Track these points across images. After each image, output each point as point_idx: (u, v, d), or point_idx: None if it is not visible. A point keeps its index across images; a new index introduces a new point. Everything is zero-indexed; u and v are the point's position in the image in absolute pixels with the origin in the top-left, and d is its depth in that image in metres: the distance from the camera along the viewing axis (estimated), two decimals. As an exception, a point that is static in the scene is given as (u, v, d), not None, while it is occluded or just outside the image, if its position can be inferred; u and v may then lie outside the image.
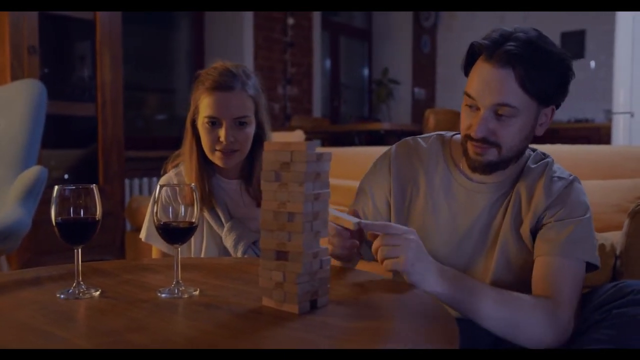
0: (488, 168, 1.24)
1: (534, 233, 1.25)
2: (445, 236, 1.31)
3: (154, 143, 4.46)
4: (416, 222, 1.33)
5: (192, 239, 1.58)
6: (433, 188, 1.33)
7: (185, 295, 1.02)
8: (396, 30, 6.99)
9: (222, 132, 1.48)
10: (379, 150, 3.19)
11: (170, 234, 1.06)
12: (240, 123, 1.49)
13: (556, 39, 6.39)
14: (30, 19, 3.08)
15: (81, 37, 3.66)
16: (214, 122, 1.49)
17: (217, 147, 1.49)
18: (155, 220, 1.04)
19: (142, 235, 1.62)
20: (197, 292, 1.04)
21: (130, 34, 4.26)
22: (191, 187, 1.05)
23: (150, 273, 1.21)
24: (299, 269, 0.90)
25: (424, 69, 7.11)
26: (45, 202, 2.51)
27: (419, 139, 1.40)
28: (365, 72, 7.27)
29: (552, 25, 6.33)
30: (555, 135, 5.79)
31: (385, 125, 4.46)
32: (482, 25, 6.72)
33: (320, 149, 0.96)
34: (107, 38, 3.48)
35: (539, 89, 1.17)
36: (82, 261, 1.06)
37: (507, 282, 1.28)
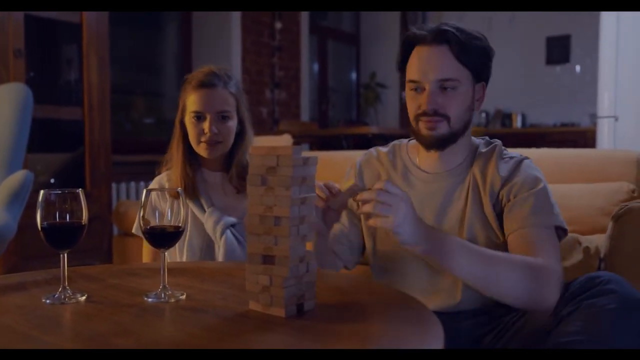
0: (441, 142, 1.35)
1: (498, 212, 1.34)
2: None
3: (142, 146, 4.44)
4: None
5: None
6: (402, 185, 1.42)
7: (172, 300, 1.02)
8: (384, 34, 7.01)
9: (206, 125, 1.59)
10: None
11: (157, 238, 1.06)
12: (223, 117, 1.61)
13: (542, 44, 6.45)
14: (16, 21, 3.06)
15: (68, 39, 3.64)
16: (199, 117, 1.61)
17: (202, 139, 1.61)
18: (142, 225, 1.04)
19: (134, 228, 1.70)
20: (183, 297, 1.04)
21: (118, 36, 4.25)
22: (177, 191, 1.06)
23: (137, 278, 1.21)
24: (286, 273, 0.91)
25: (412, 73, 7.13)
26: (31, 207, 2.49)
27: (380, 148, 1.53)
28: (353, 76, 7.29)
29: (537, 29, 6.39)
30: (542, 139, 5.84)
31: (373, 129, 4.48)
32: (469, 27, 6.76)
33: (308, 153, 0.98)
34: (93, 41, 3.46)
35: (472, 61, 1.33)
36: (68, 266, 1.06)
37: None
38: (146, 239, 1.06)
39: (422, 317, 0.90)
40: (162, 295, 1.03)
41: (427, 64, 1.32)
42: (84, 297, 1.04)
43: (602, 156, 2.46)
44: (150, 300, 1.02)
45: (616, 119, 3.61)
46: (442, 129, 1.33)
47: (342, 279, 1.18)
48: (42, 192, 1.03)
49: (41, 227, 1.02)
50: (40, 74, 3.49)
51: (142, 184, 4.04)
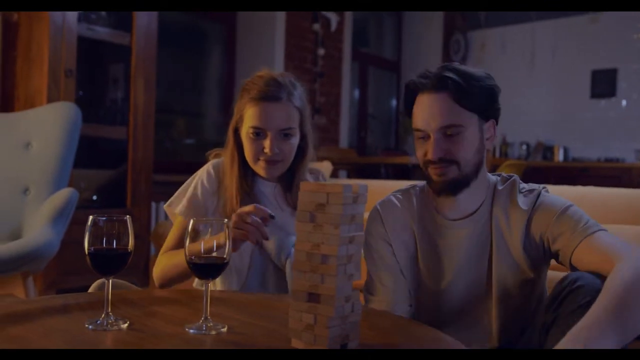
0: (452, 187, 1.32)
1: (531, 253, 1.33)
2: (448, 276, 1.37)
3: (181, 167, 4.50)
4: (422, 272, 1.40)
5: None
6: (423, 235, 1.40)
7: (213, 332, 1.01)
8: (425, 61, 7.00)
9: (267, 143, 1.46)
10: (405, 184, 3.16)
11: (202, 269, 1.05)
12: (285, 135, 1.48)
13: (587, 77, 6.34)
14: (70, 42, 3.15)
15: (116, 60, 3.73)
16: (258, 133, 1.47)
17: (261, 157, 1.48)
18: (187, 256, 1.04)
19: (167, 204, 1.59)
20: (225, 329, 1.03)
21: (163, 58, 4.33)
22: (226, 224, 1.05)
23: (177, 305, 1.20)
24: (331, 313, 0.89)
25: (452, 102, 7.09)
26: (73, 223, 2.55)
27: (397, 195, 1.47)
28: (393, 103, 7.28)
29: (583, 62, 6.29)
30: (584, 173, 5.71)
31: (412, 159, 4.45)
32: (511, 58, 6.72)
33: (347, 181, 0.96)
34: (141, 62, 3.54)
35: (474, 103, 1.31)
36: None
37: (509, 306, 1.35)
38: (191, 268, 1.06)
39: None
40: (204, 327, 1.02)
41: (429, 112, 1.32)
42: (126, 325, 1.03)
43: (652, 197, 2.38)
44: (192, 331, 1.01)
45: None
46: (452, 173, 1.31)
47: (383, 318, 1.15)
48: (90, 217, 1.04)
49: (88, 252, 1.03)
50: (88, 94, 3.57)
51: (180, 204, 4.07)
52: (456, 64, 1.36)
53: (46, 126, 2.56)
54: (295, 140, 1.51)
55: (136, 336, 0.99)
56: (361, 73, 6.72)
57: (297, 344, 0.93)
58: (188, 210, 1.51)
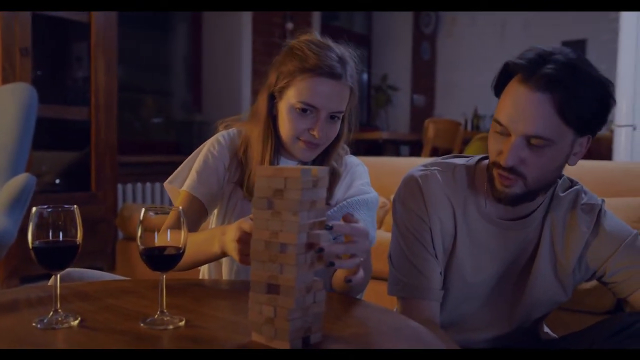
0: (514, 201, 1.17)
1: (576, 275, 1.23)
2: (483, 274, 1.27)
3: (150, 147, 4.39)
4: (456, 263, 1.27)
5: (233, 221, 1.39)
6: (464, 230, 1.26)
7: (170, 327, 0.96)
8: (396, 36, 6.94)
9: (316, 125, 1.29)
10: (376, 161, 3.11)
11: (155, 260, 0.99)
12: (333, 117, 1.31)
13: (557, 48, 6.33)
14: (23, 20, 3.01)
15: (76, 39, 3.60)
16: (307, 110, 1.29)
17: (302, 137, 1.31)
18: (140, 245, 0.98)
19: (167, 181, 1.46)
20: (182, 323, 0.97)
21: (127, 36, 4.19)
22: (179, 211, 0.99)
23: (134, 297, 1.14)
24: (291, 304, 0.84)
25: (424, 76, 7.06)
26: (30, 209, 2.45)
27: (439, 170, 1.27)
28: (365, 77, 7.22)
29: (552, 33, 6.28)
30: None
31: (384, 135, 4.41)
32: (482, 31, 6.68)
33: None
34: (101, 41, 3.41)
35: (578, 117, 1.09)
36: (72, 267, 0.99)
37: (530, 317, 1.27)
38: (143, 260, 0.99)
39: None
40: (160, 321, 0.96)
41: (520, 111, 1.09)
42: (76, 322, 0.97)
43: (620, 169, 2.38)
44: (146, 327, 0.95)
45: (634, 128, 3.52)
46: (517, 188, 1.14)
47: (353, 306, 1.11)
48: (34, 208, 0.97)
49: (32, 246, 0.96)
50: (47, 73, 3.44)
51: (148, 185, 3.99)
52: (572, 54, 1.11)
53: (0, 108, 2.44)
54: (339, 123, 1.35)
55: (86, 334, 0.93)
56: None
57: (257, 337, 0.88)
58: (197, 184, 1.38)
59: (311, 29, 1.41)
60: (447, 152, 4.51)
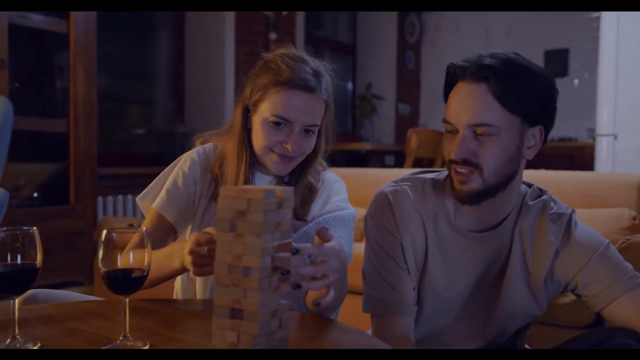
0: (474, 198, 1.16)
1: (548, 286, 1.22)
2: (456, 288, 1.25)
3: (131, 159, 4.34)
4: (428, 277, 1.25)
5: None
6: (435, 244, 1.24)
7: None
8: (380, 44, 6.94)
9: (289, 138, 1.27)
10: (358, 173, 3.09)
11: (118, 283, 0.96)
12: (308, 131, 1.30)
13: (540, 57, 6.37)
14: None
15: (55, 49, 3.56)
16: (280, 123, 1.27)
17: (276, 150, 1.29)
18: (101, 267, 0.95)
19: (139, 197, 1.44)
20: (147, 347, 0.94)
21: (108, 45, 4.15)
22: (142, 233, 0.96)
23: (100, 320, 1.11)
24: (255, 330, 0.82)
25: (408, 85, 7.06)
26: (8, 224, 2.40)
27: (410, 186, 1.27)
28: (349, 86, 7.21)
29: (535, 43, 6.31)
30: (538, 153, 5.75)
31: (366, 146, 4.39)
32: (466, 40, 6.70)
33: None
34: (80, 51, 3.37)
35: (519, 104, 1.11)
36: (51, 283, 0.96)
37: (505, 331, 1.25)
38: (106, 284, 0.96)
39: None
40: (121, 346, 0.93)
41: (461, 104, 1.13)
42: (36, 347, 0.94)
43: (602, 180, 2.38)
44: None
45: (615, 137, 3.53)
46: (475, 183, 1.14)
47: (332, 328, 1.08)
48: (-10, 231, 0.93)
49: (-11, 270, 0.93)
50: (25, 85, 3.39)
51: (129, 197, 3.94)
52: (510, 53, 1.15)
53: (-27, 122, 2.39)
54: (314, 138, 1.33)
55: (43, 361, 0.89)
56: (316, 56, 6.60)
57: (221, 363, 0.86)
58: (166, 203, 1.37)
59: (288, 43, 1.40)
60: (430, 162, 4.50)
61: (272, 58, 1.32)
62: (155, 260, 1.13)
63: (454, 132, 1.15)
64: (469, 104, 1.12)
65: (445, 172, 1.29)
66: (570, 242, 1.19)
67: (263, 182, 1.40)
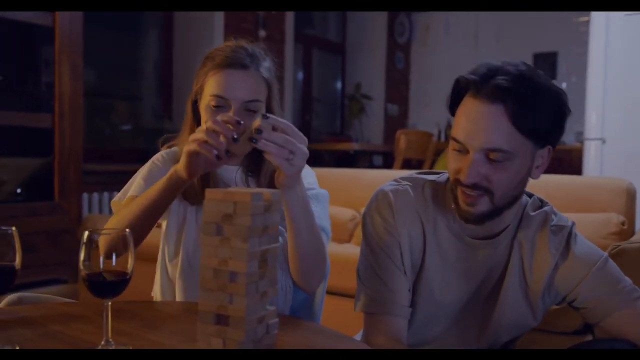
0: (481, 219, 1.14)
1: (545, 299, 1.20)
2: (453, 294, 1.23)
3: (117, 155, 4.29)
4: (424, 279, 1.23)
5: (183, 235, 1.38)
6: (434, 246, 1.22)
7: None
8: (370, 44, 6.93)
9: None
10: (346, 173, 3.07)
11: (100, 286, 0.93)
12: (250, 109, 1.29)
13: (528, 60, 6.39)
14: (-17, 24, 2.92)
15: (40, 43, 3.50)
16: (220, 105, 1.28)
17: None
18: (82, 270, 0.92)
19: (114, 200, 1.43)
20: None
21: (95, 36, 4.10)
22: (126, 234, 0.93)
23: (81, 323, 1.08)
24: (242, 337, 0.79)
25: (398, 85, 7.06)
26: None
27: (411, 186, 1.25)
28: (339, 86, 7.19)
29: (524, 46, 6.34)
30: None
31: (355, 146, 4.38)
32: (455, 42, 6.71)
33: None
34: (66, 45, 3.32)
35: (533, 126, 1.07)
36: (34, 281, 0.93)
37: (498, 341, 1.24)
38: (87, 287, 0.93)
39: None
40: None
41: (474, 125, 1.07)
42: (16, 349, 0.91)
43: (590, 184, 2.38)
44: (88, 358, 0.89)
45: (603, 141, 3.55)
46: (483, 206, 1.11)
47: (318, 335, 1.06)
48: (-33, 231, 0.90)
49: (-35, 272, 0.90)
50: (9, 79, 3.34)
51: (115, 194, 3.88)
52: (522, 64, 1.10)
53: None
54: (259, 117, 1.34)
55: (22, 367, 0.86)
56: (305, 55, 6.59)
57: (205, 370, 0.83)
58: (146, 189, 1.31)
59: (237, 36, 1.41)
60: (419, 163, 4.49)
61: (213, 49, 1.35)
62: (143, 195, 1.21)
63: (462, 151, 1.11)
64: (483, 126, 1.06)
65: (445, 175, 1.27)
66: (569, 255, 1.18)
67: (226, 172, 1.38)
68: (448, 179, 1.23)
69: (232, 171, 1.39)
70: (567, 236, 1.20)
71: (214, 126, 1.10)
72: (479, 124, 1.07)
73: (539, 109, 1.07)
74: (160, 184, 1.22)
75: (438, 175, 1.29)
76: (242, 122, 1.12)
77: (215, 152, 1.10)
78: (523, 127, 1.06)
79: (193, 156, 1.14)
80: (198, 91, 1.34)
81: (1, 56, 3.15)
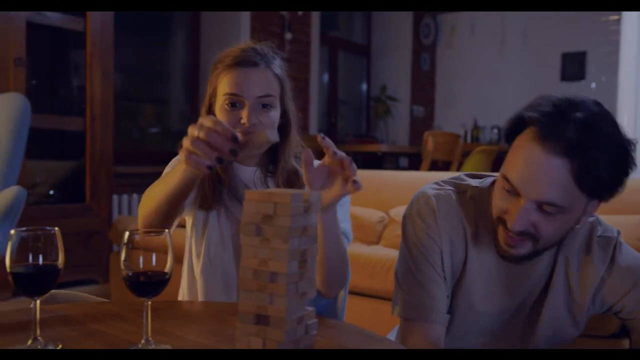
0: (519, 261, 1.12)
1: (590, 312, 1.19)
2: (495, 305, 1.21)
3: (147, 158, 4.35)
4: (464, 288, 1.21)
5: (204, 238, 1.38)
6: (475, 255, 1.19)
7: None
8: (395, 46, 6.92)
9: (244, 113, 1.29)
10: (375, 175, 3.06)
11: (141, 286, 0.95)
12: (264, 105, 1.31)
13: (557, 60, 6.32)
14: (18, 29, 2.98)
15: (72, 48, 3.57)
16: (234, 103, 1.30)
17: (238, 130, 1.25)
18: (124, 270, 0.93)
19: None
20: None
21: (124, 40, 4.16)
22: (165, 235, 0.95)
23: (119, 322, 1.09)
24: (281, 337, 0.80)
25: (423, 87, 7.03)
26: (26, 220, 2.41)
27: (454, 191, 1.22)
28: (364, 88, 7.19)
29: (553, 46, 6.27)
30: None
31: (382, 147, 4.37)
32: (481, 43, 6.67)
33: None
34: (97, 49, 3.38)
35: (594, 183, 1.01)
36: (64, 281, 0.94)
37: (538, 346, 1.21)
38: (128, 287, 0.95)
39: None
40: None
41: (533, 174, 1.01)
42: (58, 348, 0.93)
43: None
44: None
45: (637, 141, 3.48)
46: (525, 249, 1.08)
47: (353, 335, 1.06)
48: (12, 231, 0.92)
49: (10, 271, 0.91)
50: (43, 83, 3.40)
51: (144, 196, 3.93)
52: (593, 105, 1.04)
53: (-8, 120, 2.40)
54: (276, 114, 1.33)
55: (65, 364, 0.88)
56: (331, 57, 6.60)
57: (245, 370, 0.84)
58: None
59: (252, 40, 1.42)
60: (446, 164, 4.47)
61: (222, 53, 1.37)
62: (161, 180, 1.23)
63: (513, 193, 1.06)
64: (543, 178, 1.01)
65: (489, 179, 1.24)
66: (614, 268, 1.16)
67: (244, 173, 1.39)
68: (492, 183, 1.21)
69: (250, 172, 1.40)
70: (614, 248, 1.17)
71: (201, 135, 1.09)
72: (538, 175, 1.01)
73: (604, 164, 1.00)
74: (176, 175, 1.20)
75: (481, 181, 1.25)
76: (239, 137, 1.10)
77: (206, 162, 1.10)
78: (585, 185, 1.01)
79: (190, 160, 1.12)
80: (212, 94, 1.36)
81: (35, 61, 3.21)
